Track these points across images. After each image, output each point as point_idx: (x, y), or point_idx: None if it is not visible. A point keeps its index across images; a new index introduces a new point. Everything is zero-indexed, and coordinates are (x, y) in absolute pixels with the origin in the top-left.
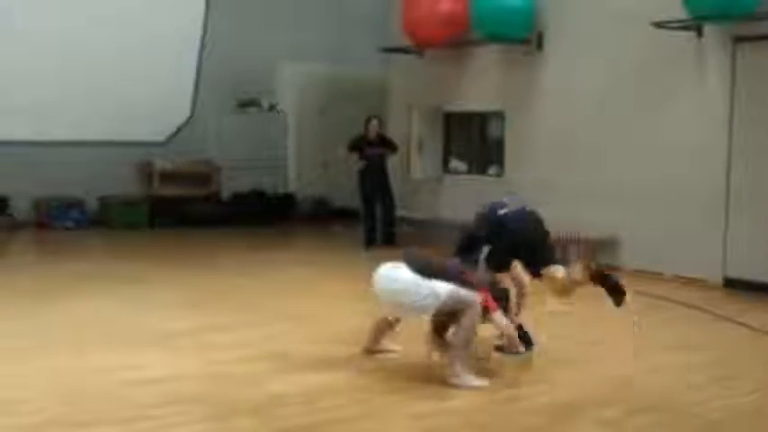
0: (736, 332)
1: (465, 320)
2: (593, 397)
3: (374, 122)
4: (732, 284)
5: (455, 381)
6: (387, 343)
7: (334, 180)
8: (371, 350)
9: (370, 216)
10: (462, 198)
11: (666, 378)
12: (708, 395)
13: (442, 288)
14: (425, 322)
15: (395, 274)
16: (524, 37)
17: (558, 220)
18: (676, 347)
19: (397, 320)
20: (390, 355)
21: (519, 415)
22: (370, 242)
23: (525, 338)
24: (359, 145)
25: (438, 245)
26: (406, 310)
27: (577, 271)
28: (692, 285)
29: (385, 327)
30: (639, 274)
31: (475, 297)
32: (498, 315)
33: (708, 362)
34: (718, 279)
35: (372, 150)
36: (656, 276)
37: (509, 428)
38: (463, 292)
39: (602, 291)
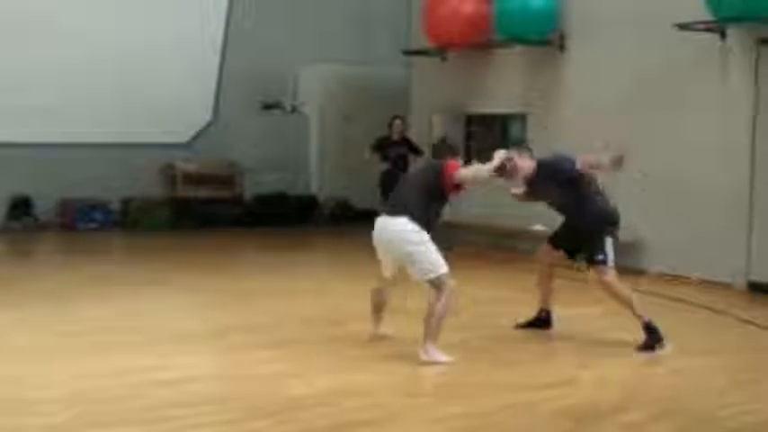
0: (760, 336)
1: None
2: (617, 401)
3: (398, 122)
4: (756, 288)
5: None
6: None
7: (357, 182)
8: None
9: None
10: (484, 199)
11: (690, 382)
12: (732, 400)
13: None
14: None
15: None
16: (546, 38)
17: None
18: (700, 352)
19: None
20: (409, 356)
21: (543, 418)
22: None
23: (656, 335)
24: (383, 145)
25: (459, 245)
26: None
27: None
28: (716, 289)
29: (381, 304)
30: (663, 277)
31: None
32: (465, 170)
33: (731, 366)
34: (742, 283)
35: (396, 151)
36: (680, 280)
37: None
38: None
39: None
